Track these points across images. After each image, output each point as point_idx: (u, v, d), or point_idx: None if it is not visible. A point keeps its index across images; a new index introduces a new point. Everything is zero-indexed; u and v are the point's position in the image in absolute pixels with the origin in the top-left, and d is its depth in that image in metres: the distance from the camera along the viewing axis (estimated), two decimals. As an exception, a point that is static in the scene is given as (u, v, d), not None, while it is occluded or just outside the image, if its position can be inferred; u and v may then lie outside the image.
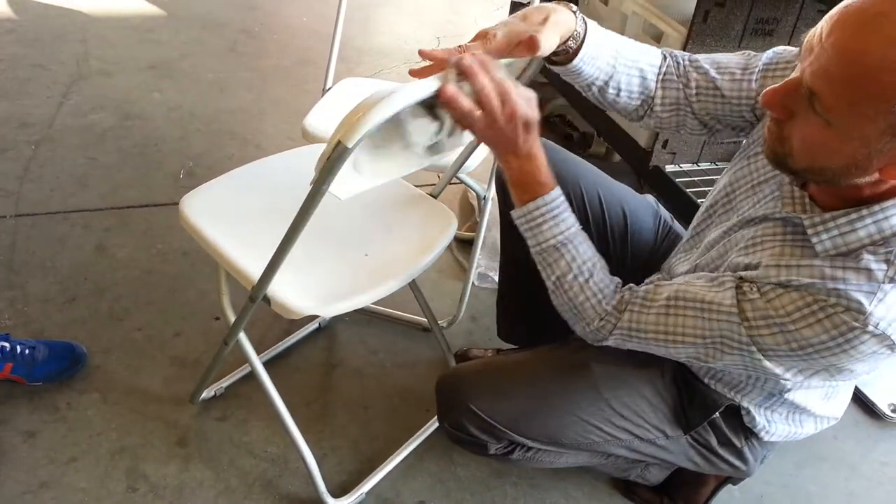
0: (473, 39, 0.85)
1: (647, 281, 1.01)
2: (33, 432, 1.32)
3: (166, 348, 1.53)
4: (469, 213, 2.09)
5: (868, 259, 0.76)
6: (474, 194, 1.69)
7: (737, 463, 1.13)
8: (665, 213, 1.29)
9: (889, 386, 1.68)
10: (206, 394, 1.42)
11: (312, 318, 1.56)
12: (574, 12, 0.89)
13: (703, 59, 1.00)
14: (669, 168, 2.03)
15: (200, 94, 2.57)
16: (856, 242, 0.78)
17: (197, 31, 3.05)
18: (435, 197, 1.33)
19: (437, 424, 1.43)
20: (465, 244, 1.96)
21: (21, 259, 1.71)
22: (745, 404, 1.05)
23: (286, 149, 1.35)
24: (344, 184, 0.86)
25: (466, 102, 0.79)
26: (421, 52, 0.83)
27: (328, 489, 1.26)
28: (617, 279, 0.98)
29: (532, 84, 1.05)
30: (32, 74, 2.52)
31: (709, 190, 1.97)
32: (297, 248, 0.93)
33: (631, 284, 0.97)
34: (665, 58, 1.01)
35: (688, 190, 1.91)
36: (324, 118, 1.53)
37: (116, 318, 1.59)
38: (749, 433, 1.09)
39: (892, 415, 1.62)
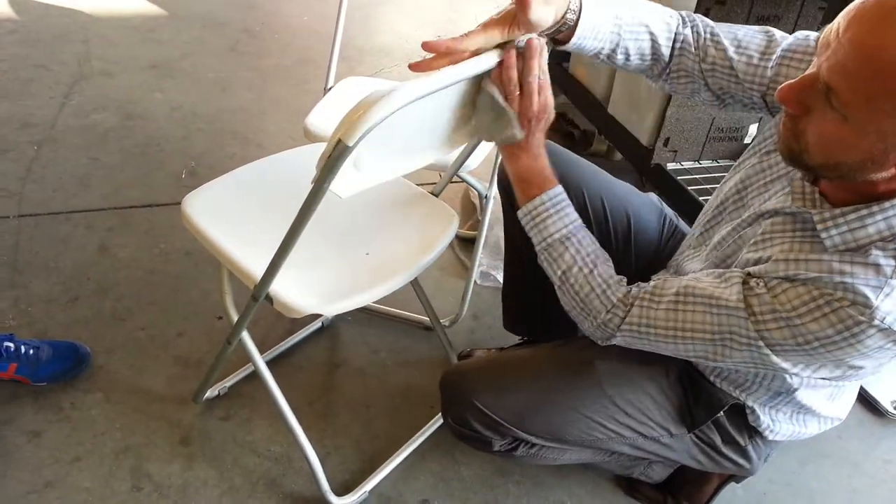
0: (476, 27, 0.86)
1: (653, 278, 1.01)
2: (38, 432, 1.32)
3: (169, 348, 1.54)
4: (471, 211, 2.09)
5: (877, 255, 0.76)
6: (476, 193, 1.69)
7: (741, 461, 1.13)
8: (669, 212, 1.28)
9: (892, 383, 1.68)
10: (210, 393, 1.42)
11: (315, 317, 1.57)
12: None
13: (725, 33, 0.98)
14: (671, 166, 2.03)
15: (202, 94, 2.57)
16: (865, 238, 0.77)
17: (198, 31, 3.05)
18: (436, 195, 1.33)
19: (439, 423, 1.43)
20: (466, 243, 1.96)
21: (24, 259, 1.71)
22: (750, 403, 1.04)
23: (288, 148, 1.35)
24: (345, 182, 0.86)
25: (515, 75, 0.85)
26: (424, 44, 0.83)
27: (331, 488, 1.26)
28: (620, 275, 0.98)
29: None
30: (34, 75, 2.53)
31: (711, 188, 1.97)
32: (299, 247, 0.93)
33: (638, 282, 0.97)
34: (684, 23, 0.99)
35: (689, 188, 1.91)
36: (325, 117, 1.53)
37: (119, 317, 1.59)
38: (753, 432, 1.09)
39: (895, 412, 1.62)
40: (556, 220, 0.94)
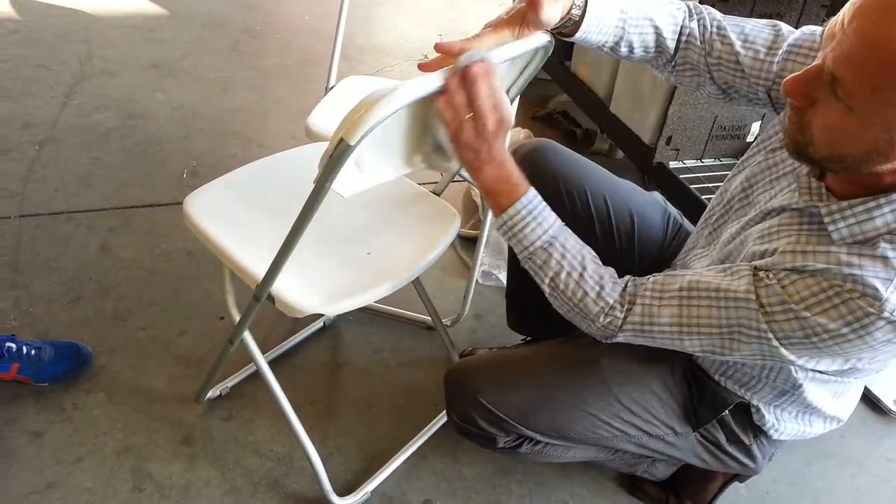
0: (484, 28, 0.86)
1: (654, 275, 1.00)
2: (40, 432, 1.32)
3: (171, 348, 1.54)
4: (472, 210, 2.09)
5: (885, 247, 0.75)
6: (477, 192, 1.68)
7: (745, 460, 1.12)
8: (674, 211, 1.28)
9: (895, 382, 1.67)
10: (212, 393, 1.42)
11: (317, 317, 1.57)
12: None
13: (731, 27, 0.98)
14: (673, 164, 2.02)
15: (203, 94, 2.57)
16: (872, 231, 0.77)
17: (199, 31, 3.05)
18: (438, 195, 1.33)
19: (441, 423, 1.43)
20: (468, 242, 1.96)
21: (25, 259, 1.71)
22: (755, 402, 1.04)
23: (289, 148, 1.35)
24: (347, 181, 0.86)
25: (462, 101, 0.80)
26: (437, 46, 0.83)
27: (333, 488, 1.26)
28: (611, 269, 0.95)
29: (535, 81, 1.05)
30: (36, 75, 2.53)
31: (713, 186, 1.97)
32: (301, 246, 0.93)
33: (630, 276, 0.95)
34: (690, 15, 0.99)
35: (692, 186, 1.91)
36: (327, 117, 1.53)
37: (121, 318, 1.59)
38: (758, 431, 1.09)
39: (898, 411, 1.62)
40: (535, 226, 0.91)
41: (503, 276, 1.82)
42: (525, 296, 1.39)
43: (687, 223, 1.27)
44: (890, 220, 0.76)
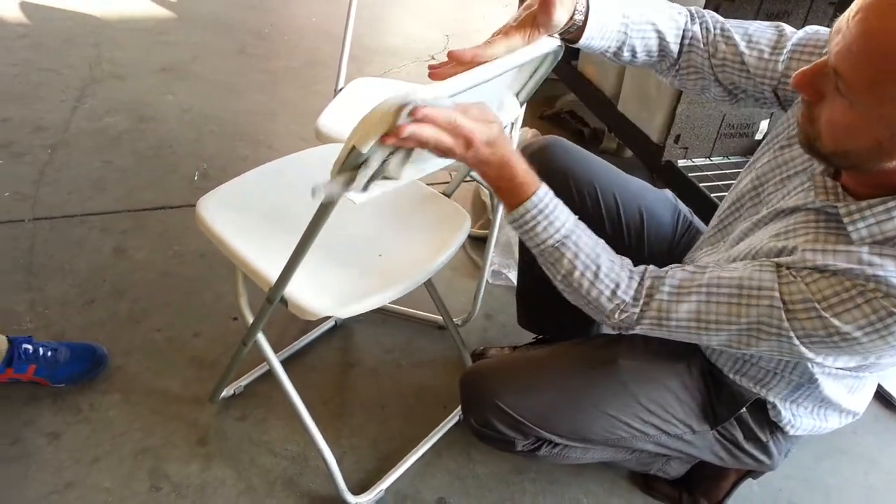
0: (494, 35, 0.86)
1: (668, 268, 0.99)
2: (57, 433, 1.34)
3: (185, 349, 1.55)
4: (482, 210, 2.09)
5: None
6: (487, 192, 1.69)
7: (761, 457, 1.12)
8: (684, 208, 1.28)
9: (907, 378, 1.67)
10: (225, 392, 1.43)
11: (328, 317, 1.58)
12: None
13: (735, 28, 0.98)
14: (682, 163, 2.03)
15: (213, 96, 2.58)
16: (892, 231, 0.77)
17: (207, 34, 3.07)
18: (448, 196, 1.33)
19: (454, 421, 1.43)
20: (478, 242, 1.97)
21: (40, 262, 1.73)
22: (770, 398, 1.04)
23: (298, 149, 1.36)
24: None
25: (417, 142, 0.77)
26: (450, 54, 0.82)
27: (348, 487, 1.27)
28: (626, 259, 0.94)
29: (543, 81, 1.05)
30: (45, 79, 2.55)
31: (722, 184, 1.97)
32: (313, 249, 0.94)
33: (650, 267, 0.94)
34: (692, 19, 0.99)
35: (700, 185, 1.91)
36: (337, 119, 1.53)
37: (135, 319, 1.61)
38: (774, 427, 1.09)
39: (910, 407, 1.62)
40: (546, 225, 0.89)
41: (513, 276, 1.82)
42: (536, 294, 1.40)
43: (697, 221, 1.27)
44: None
